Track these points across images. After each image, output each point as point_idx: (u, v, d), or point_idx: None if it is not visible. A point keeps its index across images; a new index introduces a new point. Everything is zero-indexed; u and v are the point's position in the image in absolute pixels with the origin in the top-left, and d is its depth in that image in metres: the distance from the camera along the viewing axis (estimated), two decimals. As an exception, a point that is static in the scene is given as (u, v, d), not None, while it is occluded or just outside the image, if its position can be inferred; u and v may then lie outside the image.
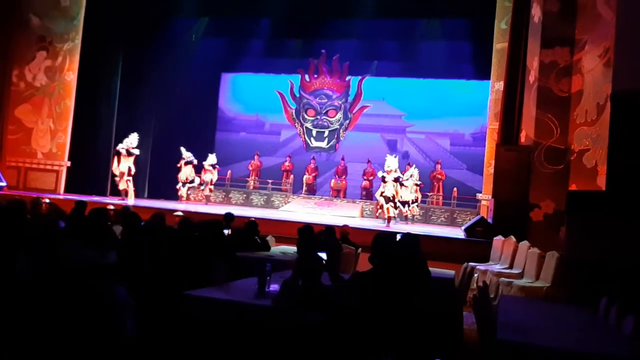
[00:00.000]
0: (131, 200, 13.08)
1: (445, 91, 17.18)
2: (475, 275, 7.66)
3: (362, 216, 14.83)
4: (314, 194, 16.46)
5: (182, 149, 15.32)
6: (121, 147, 13.58)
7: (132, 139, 13.63)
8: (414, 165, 14.73)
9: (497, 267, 8.24)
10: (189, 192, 15.36)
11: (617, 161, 6.52)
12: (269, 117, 18.92)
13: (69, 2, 14.67)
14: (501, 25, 12.63)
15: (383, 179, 12.62)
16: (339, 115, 17.58)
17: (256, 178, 17.15)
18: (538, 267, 7.27)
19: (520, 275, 7.59)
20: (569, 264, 6.51)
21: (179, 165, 15.22)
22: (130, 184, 13.66)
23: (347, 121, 17.57)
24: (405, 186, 13.32)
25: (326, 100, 17.65)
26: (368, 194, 16.21)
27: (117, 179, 13.68)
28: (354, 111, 17.60)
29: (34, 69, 14.74)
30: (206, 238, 5.25)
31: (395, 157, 13.06)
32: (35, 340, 2.46)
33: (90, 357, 2.41)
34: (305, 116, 17.79)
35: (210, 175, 15.29)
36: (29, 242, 4.03)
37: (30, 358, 2.41)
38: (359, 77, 17.47)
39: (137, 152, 13.68)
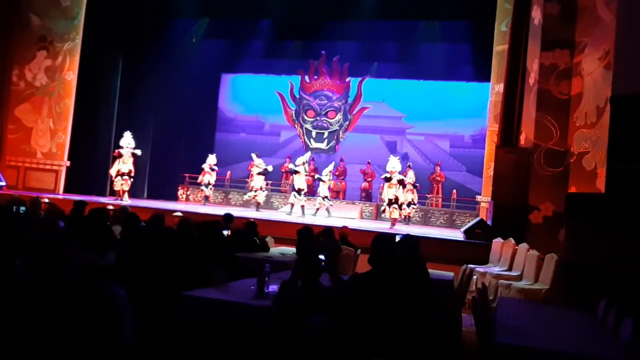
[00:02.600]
0: (127, 201, 13.00)
1: (445, 93, 17.19)
2: (474, 277, 7.68)
3: (362, 217, 14.83)
4: (314, 195, 16.46)
5: (254, 156, 14.63)
6: (126, 149, 13.33)
7: (129, 139, 13.46)
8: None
9: (496, 269, 8.24)
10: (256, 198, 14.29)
11: (616, 164, 6.51)
12: (268, 118, 18.93)
13: (70, 1, 14.68)
14: (501, 27, 12.65)
15: (387, 179, 12.44)
16: (339, 116, 17.58)
17: (255, 179, 17.11)
18: (537, 269, 7.27)
19: (519, 278, 7.59)
20: (568, 266, 6.51)
21: (251, 174, 14.53)
22: (127, 185, 13.50)
23: (347, 122, 17.57)
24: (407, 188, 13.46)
25: (326, 102, 17.66)
26: (367, 196, 16.22)
27: (118, 179, 13.35)
28: (353, 112, 17.60)
29: (34, 68, 14.74)
30: (205, 239, 5.25)
31: (398, 158, 13.04)
32: (35, 341, 2.46)
33: (89, 358, 2.41)
34: (305, 117, 17.79)
35: (209, 177, 15.19)
36: (29, 242, 4.02)
37: (30, 358, 2.41)
38: (359, 79, 17.48)
39: (138, 152, 13.51)
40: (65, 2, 14.69)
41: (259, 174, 14.29)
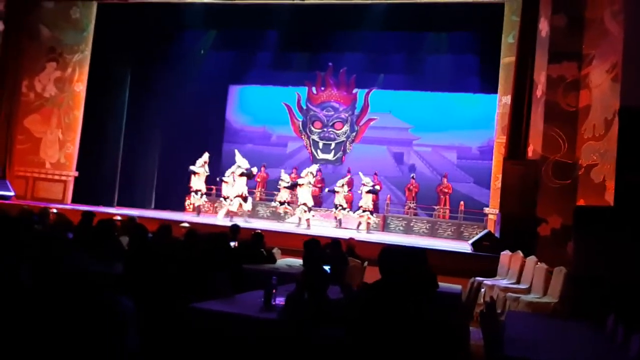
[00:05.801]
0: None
1: (452, 104, 17.18)
2: (482, 290, 7.63)
3: (369, 229, 14.79)
4: (320, 207, 16.44)
5: (361, 175, 14.47)
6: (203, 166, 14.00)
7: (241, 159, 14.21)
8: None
9: (504, 282, 8.19)
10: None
11: (625, 176, 6.50)
12: (275, 129, 18.96)
13: (79, 14, 14.83)
14: (508, 39, 12.63)
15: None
16: (346, 127, 17.61)
17: (263, 190, 17.15)
18: (545, 282, 7.21)
19: (527, 291, 7.54)
20: (577, 279, 6.47)
21: (355, 192, 13.87)
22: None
23: (354, 134, 17.59)
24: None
25: (333, 113, 17.70)
26: (375, 207, 16.15)
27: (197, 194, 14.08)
28: (360, 124, 17.63)
29: (44, 79, 14.87)
30: (212, 250, 5.25)
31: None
32: (39, 351, 2.46)
33: (95, 370, 2.41)
34: (312, 128, 17.83)
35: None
36: (36, 251, 4.03)
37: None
38: (366, 90, 17.51)
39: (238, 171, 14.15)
40: (75, 14, 14.84)
41: (368, 192, 13.95)
